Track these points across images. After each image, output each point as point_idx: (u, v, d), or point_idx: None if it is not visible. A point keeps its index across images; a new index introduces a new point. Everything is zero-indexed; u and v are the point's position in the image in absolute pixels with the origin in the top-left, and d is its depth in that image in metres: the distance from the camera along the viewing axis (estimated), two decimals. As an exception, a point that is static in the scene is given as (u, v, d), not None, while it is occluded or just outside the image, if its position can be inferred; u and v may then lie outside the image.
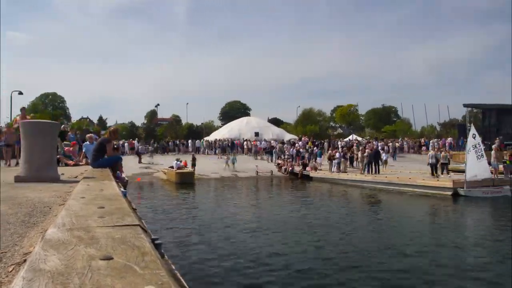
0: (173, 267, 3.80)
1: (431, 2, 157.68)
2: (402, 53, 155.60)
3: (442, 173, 25.88)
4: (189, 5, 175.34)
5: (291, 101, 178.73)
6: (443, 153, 27.85)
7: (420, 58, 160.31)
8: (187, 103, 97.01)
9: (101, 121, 78.62)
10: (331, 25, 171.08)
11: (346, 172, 30.93)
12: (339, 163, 31.84)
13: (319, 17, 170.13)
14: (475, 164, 21.14)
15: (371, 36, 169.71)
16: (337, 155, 32.80)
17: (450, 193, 20.92)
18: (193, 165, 33.68)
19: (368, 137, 55.00)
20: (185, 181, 29.07)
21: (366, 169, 29.20)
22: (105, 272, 1.41)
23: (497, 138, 41.21)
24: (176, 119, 79.21)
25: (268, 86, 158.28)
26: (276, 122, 77.42)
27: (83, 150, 13.84)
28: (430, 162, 26.07)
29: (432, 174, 25.51)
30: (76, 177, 7.49)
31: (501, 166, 24.61)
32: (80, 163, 12.78)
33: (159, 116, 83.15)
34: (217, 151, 43.37)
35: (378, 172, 28.51)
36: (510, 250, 10.36)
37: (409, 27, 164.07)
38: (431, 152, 28.37)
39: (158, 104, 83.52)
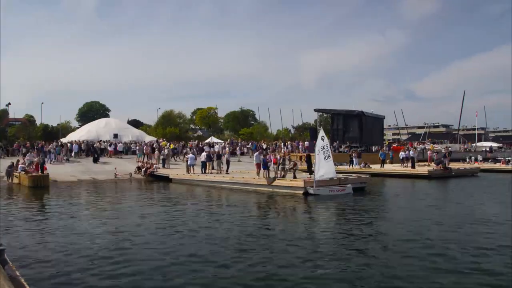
0: (18, 273, 4.12)
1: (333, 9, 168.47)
2: (293, 57, 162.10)
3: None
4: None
5: (154, 102, 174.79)
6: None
7: (310, 63, 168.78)
8: (42, 103, 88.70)
9: None
10: (223, 29, 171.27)
11: (210, 173, 31.58)
12: (200, 165, 32.47)
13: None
14: (323, 164, 22.40)
15: (268, 39, 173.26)
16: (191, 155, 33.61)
17: (301, 192, 21.97)
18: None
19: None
20: (39, 184, 27.20)
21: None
22: None
23: (335, 143, 46.53)
24: (29, 120, 72.25)
25: (130, 87, 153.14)
26: (135, 123, 75.55)
27: None
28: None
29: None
30: None
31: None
32: None
33: (11, 116, 74.78)
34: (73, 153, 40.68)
35: (226, 172, 30.77)
36: (351, 241, 11.70)
37: (307, 32, 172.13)
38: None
39: (9, 103, 74.78)
